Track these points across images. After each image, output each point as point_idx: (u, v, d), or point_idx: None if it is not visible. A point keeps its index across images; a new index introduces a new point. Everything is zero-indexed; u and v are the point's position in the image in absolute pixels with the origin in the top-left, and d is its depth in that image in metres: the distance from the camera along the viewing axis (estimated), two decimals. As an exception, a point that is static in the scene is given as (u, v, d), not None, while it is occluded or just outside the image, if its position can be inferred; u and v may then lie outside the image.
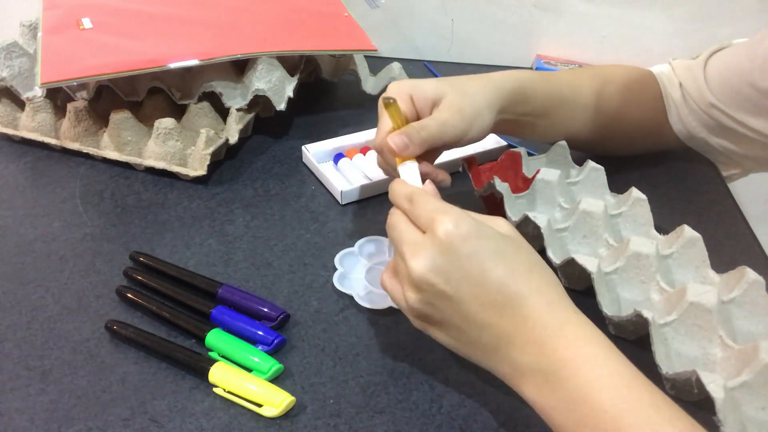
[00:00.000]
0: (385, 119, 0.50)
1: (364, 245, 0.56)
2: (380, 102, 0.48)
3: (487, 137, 0.58)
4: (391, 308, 0.49)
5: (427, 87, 0.52)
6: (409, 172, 0.47)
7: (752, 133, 0.62)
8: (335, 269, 0.53)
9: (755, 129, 0.62)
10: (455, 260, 0.38)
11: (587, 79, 0.66)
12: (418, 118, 0.52)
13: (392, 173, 0.51)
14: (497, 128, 0.58)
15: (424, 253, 0.38)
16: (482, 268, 0.38)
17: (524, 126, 0.60)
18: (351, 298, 0.50)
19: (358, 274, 0.54)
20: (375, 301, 0.50)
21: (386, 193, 0.63)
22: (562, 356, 0.36)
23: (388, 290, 0.42)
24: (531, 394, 0.37)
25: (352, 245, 0.56)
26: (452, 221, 0.38)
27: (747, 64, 0.60)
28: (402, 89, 0.52)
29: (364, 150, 0.68)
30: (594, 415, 0.34)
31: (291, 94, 0.70)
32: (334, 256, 0.54)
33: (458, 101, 0.51)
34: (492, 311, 0.37)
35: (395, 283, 0.42)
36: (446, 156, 0.59)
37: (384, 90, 0.67)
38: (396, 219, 0.42)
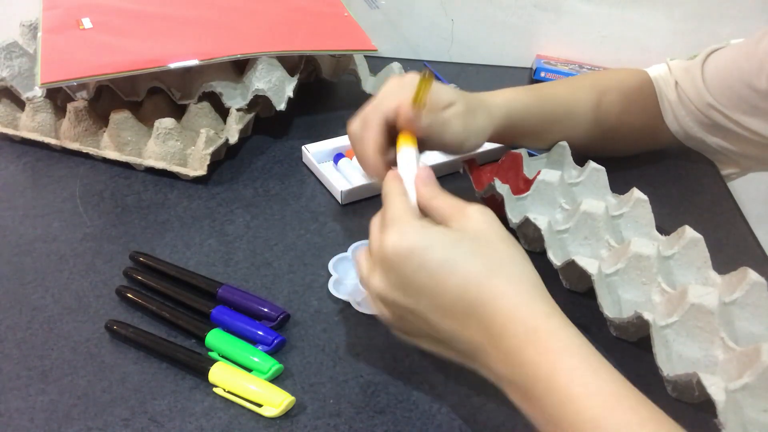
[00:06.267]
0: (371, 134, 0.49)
1: (358, 249, 0.55)
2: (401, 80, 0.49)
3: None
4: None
5: (442, 91, 0.53)
6: (407, 156, 0.46)
7: (749, 133, 0.62)
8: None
9: (752, 129, 0.62)
10: (407, 273, 0.37)
11: (585, 93, 0.66)
12: None
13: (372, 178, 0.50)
14: (492, 140, 0.60)
15: (376, 271, 0.38)
16: (434, 279, 0.36)
17: (517, 143, 0.63)
18: (350, 299, 0.50)
19: (352, 279, 0.53)
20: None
21: (386, 194, 0.64)
22: (534, 372, 0.33)
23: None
24: (515, 401, 0.35)
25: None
26: (397, 234, 0.37)
27: (745, 64, 0.60)
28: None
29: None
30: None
31: (291, 94, 0.70)
32: (334, 256, 0.54)
33: (464, 114, 0.53)
34: (455, 321, 0.36)
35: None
36: (446, 156, 0.59)
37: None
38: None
